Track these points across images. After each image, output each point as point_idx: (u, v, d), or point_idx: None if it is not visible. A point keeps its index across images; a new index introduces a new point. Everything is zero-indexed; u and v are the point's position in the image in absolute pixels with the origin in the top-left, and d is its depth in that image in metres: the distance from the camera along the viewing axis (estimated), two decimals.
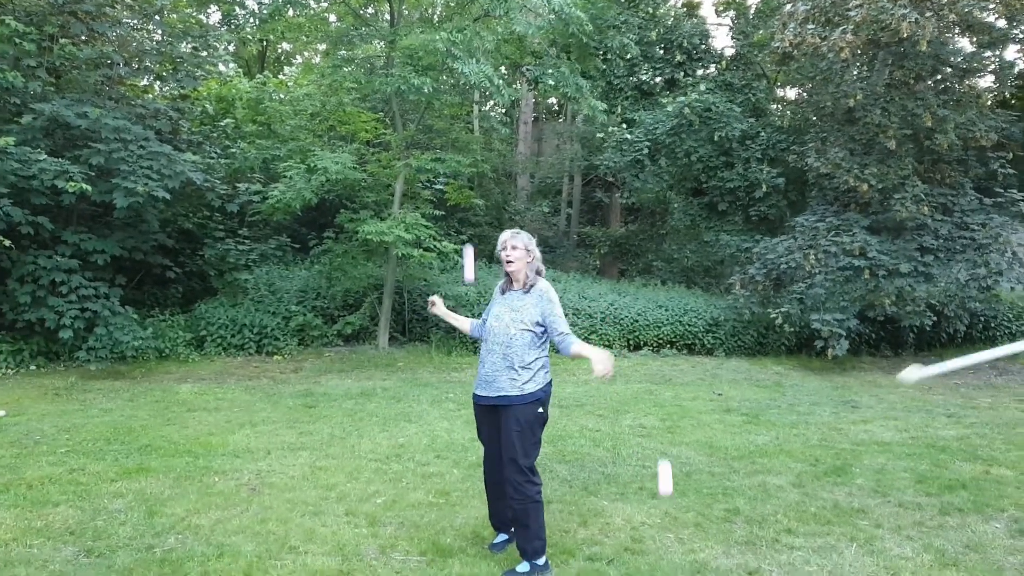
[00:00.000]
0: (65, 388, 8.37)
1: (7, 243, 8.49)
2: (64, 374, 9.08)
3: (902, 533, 4.41)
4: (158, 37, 12.43)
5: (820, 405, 8.58)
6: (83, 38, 10.45)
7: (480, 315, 4.43)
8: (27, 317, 9.07)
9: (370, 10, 15.69)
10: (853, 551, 4.13)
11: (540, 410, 3.80)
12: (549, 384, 3.90)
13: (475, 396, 3.95)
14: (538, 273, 3.92)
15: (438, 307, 4.21)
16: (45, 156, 8.86)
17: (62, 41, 10.05)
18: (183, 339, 10.42)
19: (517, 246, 3.84)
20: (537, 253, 3.93)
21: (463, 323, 4.31)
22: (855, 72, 12.41)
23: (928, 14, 10.68)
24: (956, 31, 12.04)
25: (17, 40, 9.38)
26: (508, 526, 3.99)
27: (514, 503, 3.74)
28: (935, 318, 11.42)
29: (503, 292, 3.97)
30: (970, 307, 11.59)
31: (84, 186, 8.72)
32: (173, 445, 6.02)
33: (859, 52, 11.68)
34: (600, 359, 3.55)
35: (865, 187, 11.39)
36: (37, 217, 9.03)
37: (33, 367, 9.28)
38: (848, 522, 4.57)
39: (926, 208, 11.38)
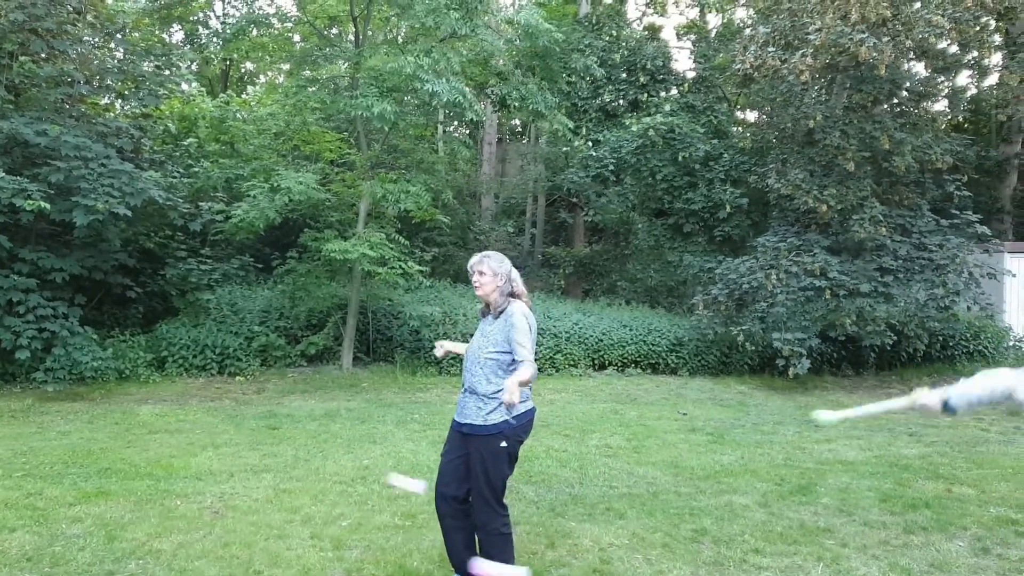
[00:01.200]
0: (21, 410, 8.15)
1: None
2: (20, 396, 8.85)
3: (868, 552, 4.47)
4: (120, 55, 12.29)
5: (784, 424, 8.69)
6: (43, 56, 10.32)
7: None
8: None
9: (335, 31, 15.70)
10: (820, 571, 4.18)
11: (503, 444, 3.59)
12: (522, 416, 3.69)
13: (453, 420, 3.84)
14: (512, 295, 3.76)
15: (446, 347, 4.07)
16: (3, 174, 8.68)
17: (22, 59, 9.92)
18: (144, 360, 10.22)
19: (484, 271, 3.72)
20: (512, 275, 3.78)
21: None
22: (814, 95, 12.68)
23: (885, 39, 10.97)
24: (911, 56, 12.40)
25: None
26: (464, 568, 3.72)
27: (480, 534, 3.66)
28: (895, 337, 11.64)
29: (483, 316, 3.90)
30: (929, 327, 11.82)
31: (43, 204, 8.56)
32: (134, 468, 5.89)
33: (818, 75, 11.96)
34: (506, 387, 3.32)
35: (825, 208, 11.62)
36: None
37: None
38: (815, 541, 4.62)
39: (884, 229, 11.62)
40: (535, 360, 3.68)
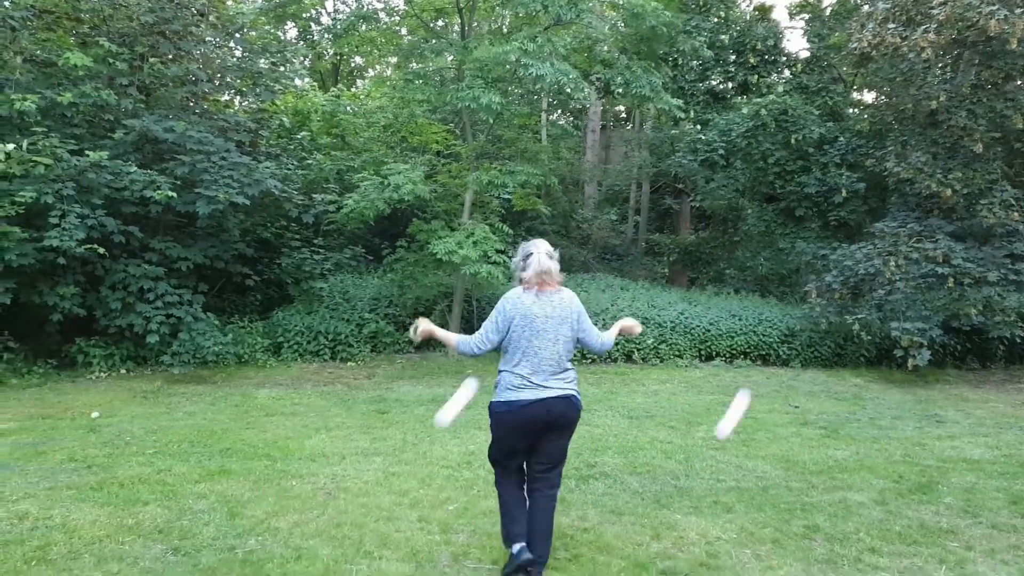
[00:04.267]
0: (152, 391, 8.72)
1: (101, 251, 8.89)
2: (151, 378, 9.46)
3: (996, 557, 4.20)
4: (239, 54, 12.89)
5: (902, 419, 8.28)
6: (170, 57, 10.95)
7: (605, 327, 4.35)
8: (118, 323, 9.50)
9: (440, 23, 15.93)
10: (942, 574, 3.96)
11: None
12: (496, 403, 3.79)
13: None
14: (521, 281, 3.84)
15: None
16: (135, 168, 9.29)
17: (151, 60, 10.56)
18: (261, 345, 10.73)
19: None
20: (519, 264, 3.86)
21: None
22: (938, 73, 11.96)
23: (1018, 11, 10.22)
24: None
25: (111, 60, 9.89)
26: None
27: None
28: None
29: None
30: None
31: (170, 193, 9.13)
32: (252, 448, 6.20)
33: (942, 52, 11.27)
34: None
35: (949, 192, 10.97)
36: (128, 227, 9.46)
37: (123, 371, 9.70)
38: (936, 543, 4.38)
39: (1016, 214, 10.87)
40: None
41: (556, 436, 3.79)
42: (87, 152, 8.99)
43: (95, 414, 7.38)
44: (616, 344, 11.12)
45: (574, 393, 3.76)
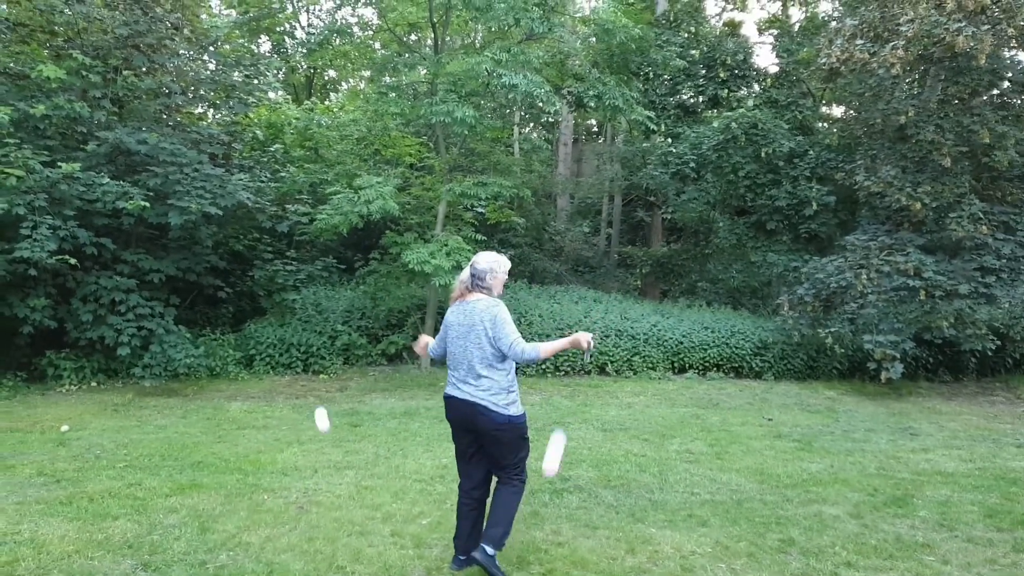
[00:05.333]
0: (123, 404, 8.59)
1: (73, 261, 8.78)
2: (122, 391, 9.31)
3: (972, 570, 4.22)
4: (212, 67, 12.82)
5: (876, 432, 8.36)
6: (144, 70, 10.89)
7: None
8: (89, 335, 9.37)
9: (414, 37, 15.95)
10: None
11: None
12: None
13: None
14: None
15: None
16: (108, 180, 9.20)
17: (125, 73, 10.48)
18: (233, 358, 10.62)
19: None
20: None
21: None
22: (906, 88, 12.18)
23: (985, 27, 10.45)
24: (1013, 44, 11.76)
25: (84, 73, 9.80)
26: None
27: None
28: (999, 342, 11.04)
29: None
30: None
31: (143, 203, 9.05)
32: (224, 462, 6.12)
33: (910, 68, 11.48)
34: None
35: (918, 205, 11.14)
36: (100, 238, 9.35)
37: (94, 383, 9.55)
38: (912, 557, 4.39)
39: (985, 227, 11.06)
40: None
41: (486, 442, 3.92)
42: (59, 164, 8.89)
43: (65, 428, 7.25)
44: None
45: (483, 402, 3.82)
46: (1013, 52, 12.28)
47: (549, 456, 3.97)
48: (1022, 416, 9.56)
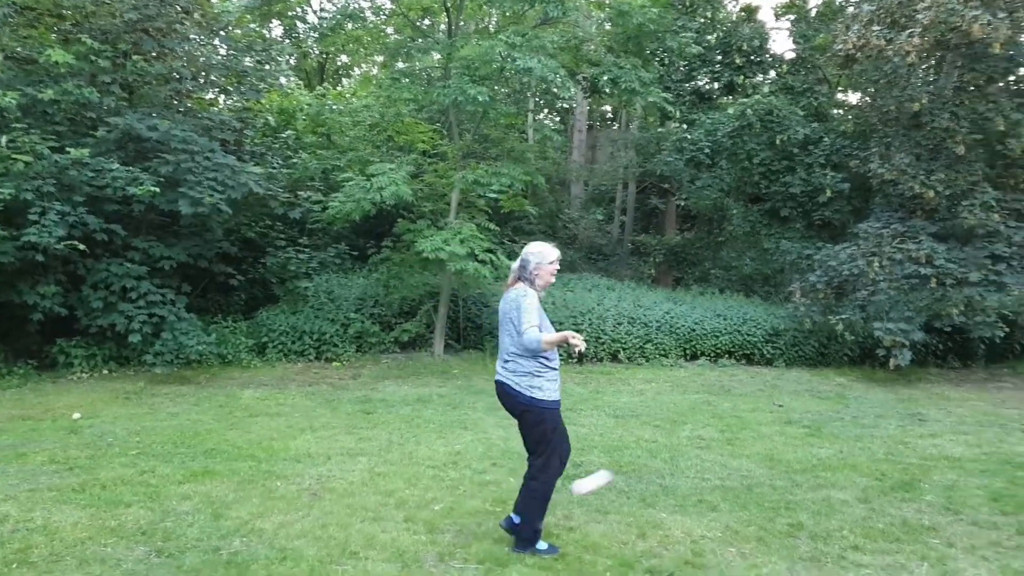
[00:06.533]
0: (135, 392, 8.64)
1: (82, 247, 8.78)
2: (134, 378, 9.38)
3: (977, 553, 4.25)
4: (223, 52, 12.78)
5: (885, 418, 8.35)
6: (154, 54, 10.83)
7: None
8: (100, 322, 9.38)
9: (427, 22, 15.89)
10: (924, 571, 4.00)
11: None
12: None
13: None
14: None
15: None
16: (118, 166, 9.19)
17: (134, 58, 10.43)
18: (245, 345, 10.66)
19: None
20: None
21: None
22: (921, 75, 12.05)
23: (1001, 15, 10.32)
24: None
25: (93, 58, 9.78)
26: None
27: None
28: (1008, 329, 10.98)
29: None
30: None
31: (153, 188, 9.01)
32: (237, 449, 6.16)
33: (926, 55, 11.36)
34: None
35: (931, 194, 11.06)
36: (110, 225, 9.37)
37: (105, 371, 9.60)
38: (918, 540, 4.43)
39: (997, 215, 10.98)
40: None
41: (518, 423, 4.18)
42: (68, 149, 8.88)
43: (76, 415, 7.31)
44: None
45: (508, 382, 4.08)
46: None
47: (588, 480, 4.22)
48: None
